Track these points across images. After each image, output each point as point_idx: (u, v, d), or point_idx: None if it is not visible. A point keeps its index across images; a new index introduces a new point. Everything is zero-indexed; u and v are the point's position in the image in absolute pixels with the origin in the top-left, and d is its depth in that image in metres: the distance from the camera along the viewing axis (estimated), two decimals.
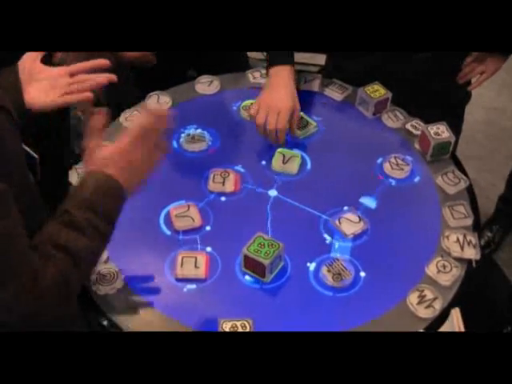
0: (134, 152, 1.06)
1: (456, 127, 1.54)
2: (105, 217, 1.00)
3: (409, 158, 1.53)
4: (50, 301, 0.92)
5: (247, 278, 1.29)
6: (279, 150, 1.52)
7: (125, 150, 1.05)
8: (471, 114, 1.93)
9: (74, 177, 1.46)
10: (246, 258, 1.26)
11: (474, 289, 1.38)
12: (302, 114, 1.58)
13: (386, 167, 1.51)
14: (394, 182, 1.48)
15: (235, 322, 1.18)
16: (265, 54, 2.72)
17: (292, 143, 1.55)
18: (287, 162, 1.50)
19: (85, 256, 0.98)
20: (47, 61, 1.29)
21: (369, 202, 1.45)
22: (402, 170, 1.50)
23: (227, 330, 1.17)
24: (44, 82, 1.18)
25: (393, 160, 1.51)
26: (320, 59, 2.52)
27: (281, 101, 1.49)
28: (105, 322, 1.22)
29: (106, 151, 1.05)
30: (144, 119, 1.09)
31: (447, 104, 1.74)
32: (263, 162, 1.52)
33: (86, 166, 1.06)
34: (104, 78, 1.19)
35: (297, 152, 1.53)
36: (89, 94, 1.19)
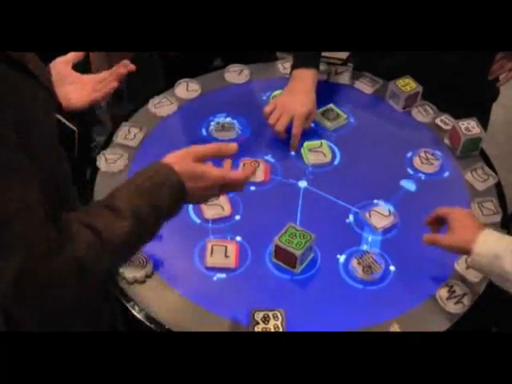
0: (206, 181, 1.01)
1: (482, 125, 1.54)
2: (154, 208, 0.92)
3: (438, 152, 1.52)
4: (60, 281, 0.81)
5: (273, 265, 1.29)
6: (306, 143, 1.52)
7: (199, 173, 1.00)
8: (491, 112, 1.92)
9: (102, 162, 1.46)
10: (278, 248, 1.26)
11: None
12: (332, 106, 1.58)
13: (416, 161, 1.50)
14: (423, 177, 1.48)
15: (267, 312, 1.18)
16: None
17: (322, 135, 1.55)
18: (315, 152, 1.51)
19: (118, 242, 0.87)
20: (85, 69, 1.35)
21: (409, 185, 1.46)
22: (432, 164, 1.49)
23: (259, 319, 1.17)
24: (73, 86, 1.32)
25: (422, 154, 1.51)
26: (341, 53, 2.51)
27: (297, 105, 1.49)
28: (132, 310, 1.23)
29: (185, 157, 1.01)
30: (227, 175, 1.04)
31: (474, 101, 1.73)
32: (293, 153, 1.51)
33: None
34: (123, 68, 1.33)
35: (329, 143, 1.54)
36: (115, 85, 1.34)
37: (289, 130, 1.50)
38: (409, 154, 1.52)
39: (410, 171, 1.49)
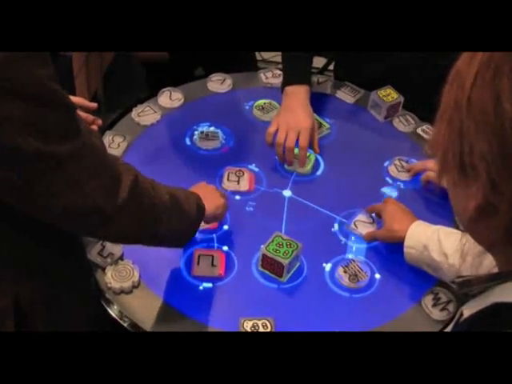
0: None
1: None
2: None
3: (413, 160, 1.55)
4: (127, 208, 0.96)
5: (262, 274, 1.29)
6: (295, 150, 1.52)
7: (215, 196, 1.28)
8: None
9: None
10: (265, 257, 1.26)
11: None
12: (315, 115, 1.59)
13: (392, 170, 1.53)
14: (402, 185, 1.50)
15: (256, 321, 1.18)
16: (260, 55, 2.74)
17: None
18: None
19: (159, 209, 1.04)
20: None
21: (390, 191, 1.49)
22: (408, 171, 1.52)
23: (248, 328, 1.17)
24: None
25: (397, 162, 1.53)
26: (317, 62, 2.53)
27: (300, 120, 1.48)
28: (118, 318, 1.22)
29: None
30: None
31: None
32: (276, 163, 1.52)
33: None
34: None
35: (311, 152, 1.54)
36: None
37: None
38: (386, 163, 1.55)
39: (389, 180, 1.51)
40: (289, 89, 1.55)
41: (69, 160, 0.84)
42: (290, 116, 1.49)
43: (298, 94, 1.53)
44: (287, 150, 1.47)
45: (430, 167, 1.45)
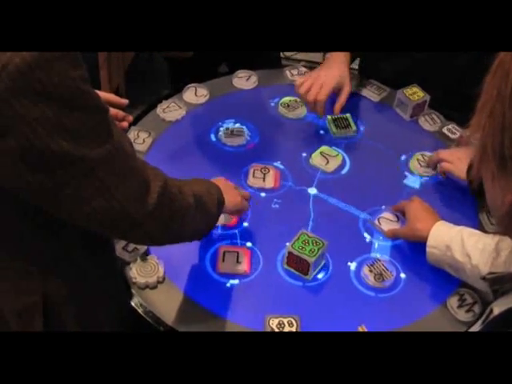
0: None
1: None
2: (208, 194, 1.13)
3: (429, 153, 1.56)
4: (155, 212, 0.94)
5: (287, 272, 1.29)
6: (322, 148, 1.53)
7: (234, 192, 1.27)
8: None
9: None
10: (290, 254, 1.25)
11: None
12: (348, 115, 1.59)
13: (414, 165, 1.53)
14: (423, 180, 1.51)
15: (282, 319, 1.18)
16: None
17: (332, 141, 1.57)
18: (327, 159, 1.51)
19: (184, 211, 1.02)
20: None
21: (413, 181, 1.50)
22: (429, 167, 1.52)
23: (274, 326, 1.17)
24: None
25: (420, 157, 1.54)
26: None
27: (327, 77, 1.57)
28: (142, 313, 1.22)
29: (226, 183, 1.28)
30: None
31: None
32: (302, 160, 1.52)
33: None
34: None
35: (338, 151, 1.54)
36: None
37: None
38: (403, 157, 1.56)
39: (409, 175, 1.52)
40: (329, 54, 1.64)
41: (100, 164, 0.83)
42: (320, 72, 1.59)
43: (336, 58, 1.62)
44: (307, 102, 1.58)
45: (443, 157, 1.45)
